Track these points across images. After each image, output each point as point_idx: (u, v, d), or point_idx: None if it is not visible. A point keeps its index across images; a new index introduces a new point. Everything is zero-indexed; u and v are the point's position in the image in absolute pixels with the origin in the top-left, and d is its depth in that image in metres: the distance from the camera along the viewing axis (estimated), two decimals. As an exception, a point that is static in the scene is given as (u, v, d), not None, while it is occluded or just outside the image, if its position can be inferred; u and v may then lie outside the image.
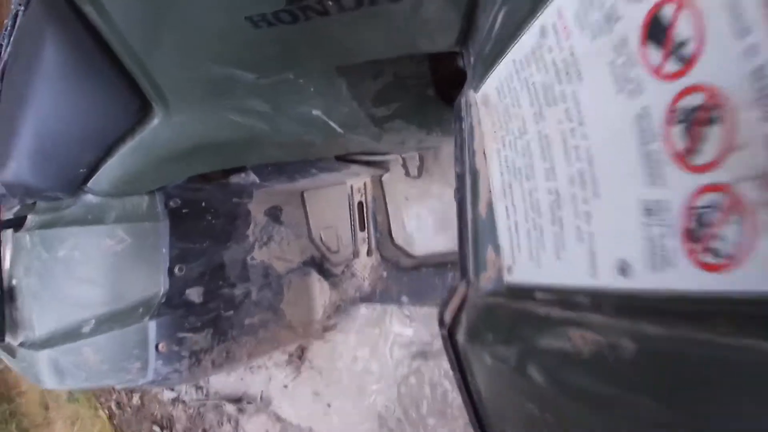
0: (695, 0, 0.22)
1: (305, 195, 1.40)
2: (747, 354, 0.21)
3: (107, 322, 1.06)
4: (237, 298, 1.15)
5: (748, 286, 0.21)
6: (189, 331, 1.08)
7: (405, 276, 1.09)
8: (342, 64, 0.57)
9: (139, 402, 2.49)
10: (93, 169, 0.95)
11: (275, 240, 1.31)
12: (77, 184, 0.98)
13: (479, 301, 0.40)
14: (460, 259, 0.44)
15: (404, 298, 1.09)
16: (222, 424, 1.99)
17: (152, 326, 1.06)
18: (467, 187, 0.41)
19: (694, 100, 0.23)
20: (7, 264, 1.14)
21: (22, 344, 1.11)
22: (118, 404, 2.62)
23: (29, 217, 1.08)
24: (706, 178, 0.22)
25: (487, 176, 0.37)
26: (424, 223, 1.11)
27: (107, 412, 2.68)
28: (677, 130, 0.24)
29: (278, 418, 1.72)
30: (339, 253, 1.36)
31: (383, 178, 1.20)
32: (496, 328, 0.39)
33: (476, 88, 0.39)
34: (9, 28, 0.90)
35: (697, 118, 0.23)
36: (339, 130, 0.77)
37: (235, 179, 1.22)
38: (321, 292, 1.32)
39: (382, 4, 0.43)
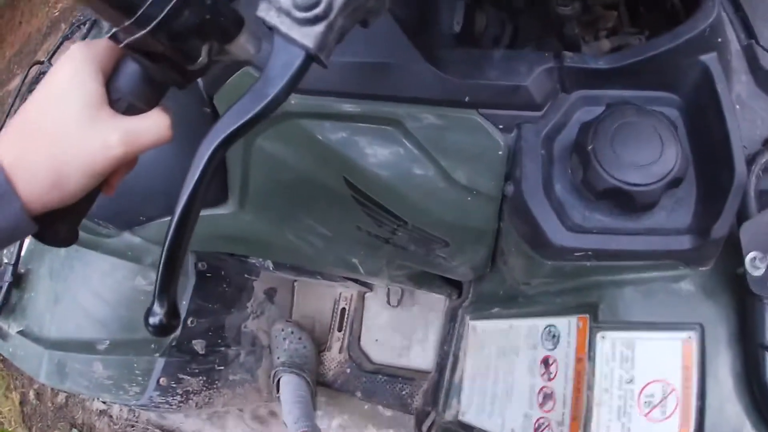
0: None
1: (296, 284, 1.70)
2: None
3: (122, 347, 1.22)
4: (229, 357, 1.41)
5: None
6: (187, 375, 1.29)
7: (364, 376, 1.41)
8: (390, 262, 0.93)
9: (64, 401, 2.41)
10: (150, 220, 1.08)
11: (266, 315, 1.59)
12: (129, 226, 1.11)
13: (443, 424, 0.74)
14: (434, 396, 0.78)
15: (358, 393, 1.40)
16: (149, 447, 2.02)
17: (160, 362, 1.23)
18: (449, 361, 0.76)
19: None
20: (23, 252, 1.25)
21: (22, 333, 1.22)
22: (38, 395, 2.51)
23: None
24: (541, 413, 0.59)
25: (463, 363, 0.72)
26: (388, 341, 1.45)
27: (20, 396, 2.55)
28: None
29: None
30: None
31: (366, 295, 1.54)
32: (448, 443, 0.72)
33: (471, 316, 0.75)
34: None
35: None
36: (362, 272, 1.11)
37: (252, 260, 1.46)
38: (289, 366, 1.58)
39: (430, 252, 0.80)
